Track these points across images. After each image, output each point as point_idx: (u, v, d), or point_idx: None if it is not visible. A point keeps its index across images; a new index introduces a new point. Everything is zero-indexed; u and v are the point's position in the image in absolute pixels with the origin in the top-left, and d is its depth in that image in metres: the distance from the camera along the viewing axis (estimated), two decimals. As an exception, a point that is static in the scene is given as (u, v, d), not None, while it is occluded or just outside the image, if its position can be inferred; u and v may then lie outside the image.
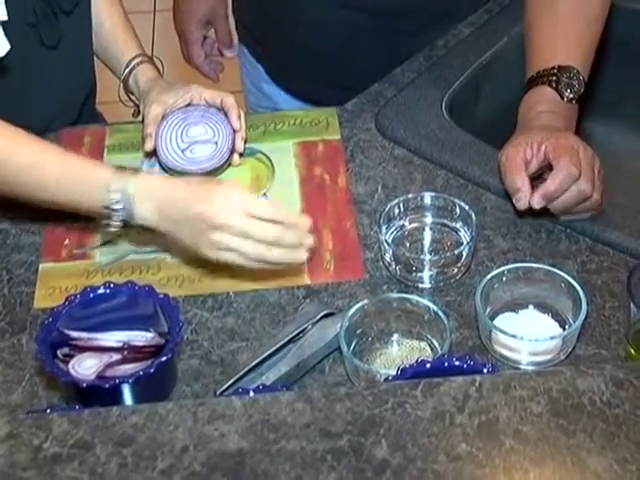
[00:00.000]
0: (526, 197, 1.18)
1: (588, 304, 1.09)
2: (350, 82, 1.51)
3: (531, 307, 1.13)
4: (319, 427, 0.87)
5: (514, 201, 1.20)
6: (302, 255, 1.15)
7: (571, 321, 1.10)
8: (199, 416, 0.89)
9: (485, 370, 0.99)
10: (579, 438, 0.85)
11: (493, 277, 1.12)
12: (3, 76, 1.24)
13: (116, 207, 1.12)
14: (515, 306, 1.14)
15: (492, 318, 1.11)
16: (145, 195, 1.12)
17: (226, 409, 0.89)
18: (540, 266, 1.14)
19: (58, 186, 1.13)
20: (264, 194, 1.31)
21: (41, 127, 1.32)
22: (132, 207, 1.12)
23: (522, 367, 1.09)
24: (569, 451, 0.84)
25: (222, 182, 1.15)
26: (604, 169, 1.21)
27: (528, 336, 1.07)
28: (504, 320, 1.12)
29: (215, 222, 1.10)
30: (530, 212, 1.21)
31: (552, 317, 1.13)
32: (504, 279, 1.13)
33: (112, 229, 1.15)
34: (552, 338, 1.09)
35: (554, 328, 1.11)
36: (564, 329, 1.11)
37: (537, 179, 1.20)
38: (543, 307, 1.13)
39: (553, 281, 1.12)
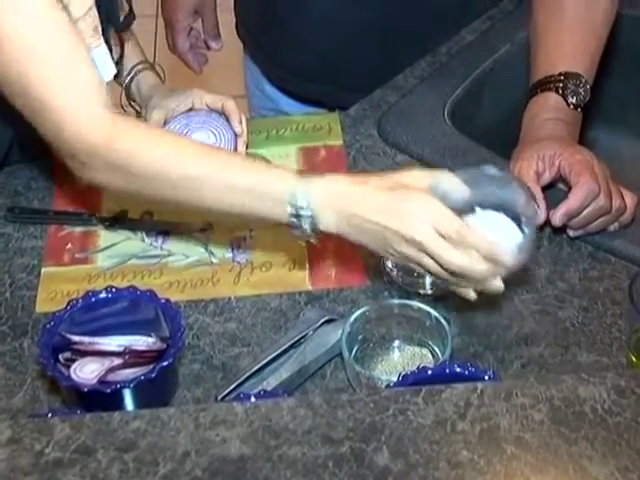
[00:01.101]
0: (542, 213, 1.19)
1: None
2: (352, 83, 1.51)
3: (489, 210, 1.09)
4: (321, 433, 0.88)
5: None
6: (498, 283, 1.05)
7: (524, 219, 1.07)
8: (201, 421, 0.89)
9: (486, 377, 0.99)
10: (580, 446, 0.86)
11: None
12: None
13: (303, 213, 1.04)
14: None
15: None
16: (330, 201, 1.04)
17: (228, 415, 0.89)
18: (490, 168, 1.09)
19: (234, 197, 1.06)
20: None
21: None
22: (317, 214, 1.04)
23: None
24: (570, 459, 0.85)
25: (410, 190, 1.04)
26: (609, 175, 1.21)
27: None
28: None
29: (406, 237, 1.01)
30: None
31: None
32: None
33: (305, 238, 1.07)
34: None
35: (513, 229, 1.08)
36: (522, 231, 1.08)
37: (545, 189, 1.21)
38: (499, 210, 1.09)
39: (505, 180, 1.09)
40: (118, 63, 1.24)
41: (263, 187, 1.06)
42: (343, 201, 1.04)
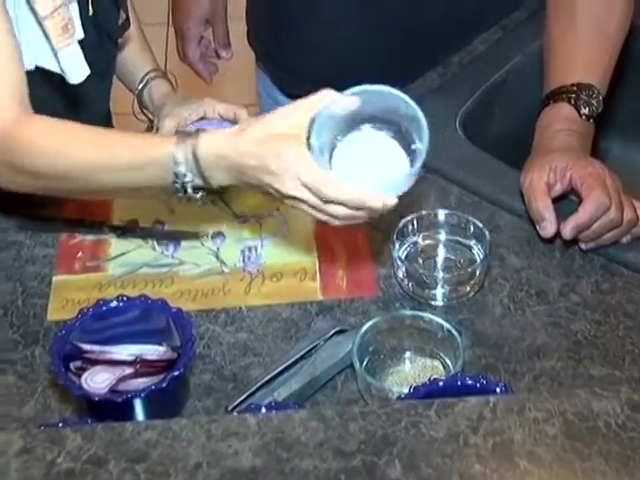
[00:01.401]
0: (552, 225, 1.19)
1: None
2: None
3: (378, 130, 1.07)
4: (332, 446, 0.87)
5: (539, 229, 1.20)
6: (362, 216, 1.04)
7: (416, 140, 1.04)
8: (212, 433, 0.89)
9: (498, 389, 0.99)
10: (594, 461, 0.85)
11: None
12: (59, 98, 1.24)
13: (187, 180, 1.05)
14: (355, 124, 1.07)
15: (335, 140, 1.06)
16: (213, 161, 1.04)
17: (240, 426, 0.89)
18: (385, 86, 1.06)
19: (118, 174, 1.07)
20: (277, 209, 1.31)
21: None
22: (203, 174, 1.05)
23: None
24: (584, 474, 0.84)
25: (283, 142, 1.02)
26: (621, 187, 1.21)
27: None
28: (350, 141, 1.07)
29: (284, 195, 1.03)
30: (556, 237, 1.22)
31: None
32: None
33: (193, 199, 1.07)
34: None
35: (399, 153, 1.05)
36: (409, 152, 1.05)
37: (558, 200, 1.21)
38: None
39: (401, 100, 1.05)
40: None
41: (147, 160, 1.06)
42: (224, 158, 1.04)
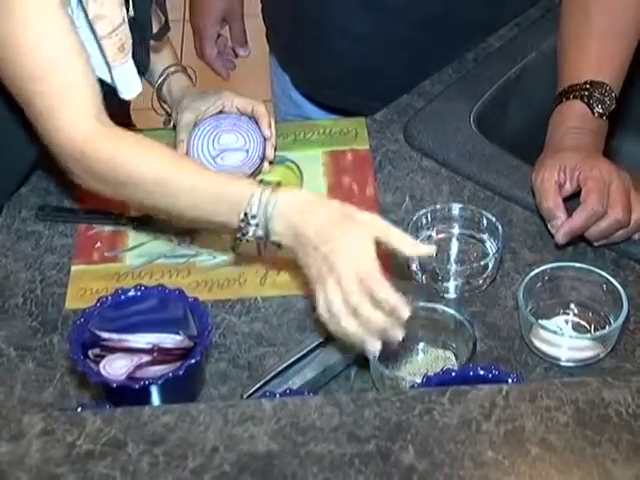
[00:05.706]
0: (563, 224, 1.20)
1: (630, 302, 1.11)
2: (378, 92, 1.52)
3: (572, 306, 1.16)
4: (347, 431, 0.89)
5: (550, 228, 1.22)
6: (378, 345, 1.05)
7: (611, 320, 1.12)
8: (229, 417, 0.90)
9: (510, 380, 1.00)
10: (605, 448, 0.86)
11: (535, 275, 1.15)
12: None
13: (252, 222, 1.07)
14: (556, 306, 1.16)
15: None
16: (283, 213, 1.07)
17: (256, 411, 0.91)
18: (582, 266, 1.15)
19: (193, 196, 1.10)
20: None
21: None
22: (268, 223, 1.07)
23: (562, 364, 1.11)
24: (595, 461, 0.86)
25: (353, 226, 1.06)
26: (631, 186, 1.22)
27: (569, 332, 1.10)
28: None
29: (331, 265, 1.03)
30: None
31: (592, 315, 1.15)
32: (546, 278, 1.15)
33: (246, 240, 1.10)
34: (592, 338, 1.11)
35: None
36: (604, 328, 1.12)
37: (572, 198, 1.22)
38: (584, 306, 1.15)
39: (594, 281, 1.14)
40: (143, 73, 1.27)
41: (222, 185, 1.10)
42: (296, 217, 1.07)
